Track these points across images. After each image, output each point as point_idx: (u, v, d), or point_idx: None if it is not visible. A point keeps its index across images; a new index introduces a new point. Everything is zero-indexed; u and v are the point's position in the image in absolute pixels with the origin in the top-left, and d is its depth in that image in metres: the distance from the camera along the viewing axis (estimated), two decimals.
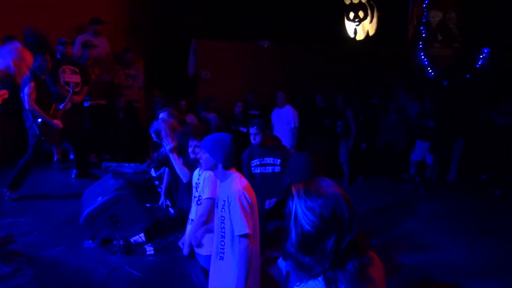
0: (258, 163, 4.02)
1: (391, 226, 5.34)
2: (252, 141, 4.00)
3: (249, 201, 2.40)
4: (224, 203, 2.45)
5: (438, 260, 4.40)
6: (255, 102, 7.50)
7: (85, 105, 6.22)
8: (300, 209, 1.35)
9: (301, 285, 1.36)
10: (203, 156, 2.54)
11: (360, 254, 1.33)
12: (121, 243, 3.50)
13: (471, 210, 5.97)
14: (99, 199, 3.62)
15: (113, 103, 6.71)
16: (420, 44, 9.74)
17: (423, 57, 9.68)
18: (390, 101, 7.33)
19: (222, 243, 2.51)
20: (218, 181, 2.61)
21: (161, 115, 4.03)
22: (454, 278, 3.99)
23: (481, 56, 9.79)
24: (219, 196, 2.56)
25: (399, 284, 3.83)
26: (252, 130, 3.96)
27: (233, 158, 2.52)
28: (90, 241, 3.63)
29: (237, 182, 2.47)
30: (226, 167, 2.50)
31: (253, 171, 4.08)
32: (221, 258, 2.51)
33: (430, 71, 9.60)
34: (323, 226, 1.30)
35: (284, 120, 6.37)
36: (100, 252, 3.48)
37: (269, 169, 4.00)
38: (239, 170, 2.68)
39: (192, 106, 7.46)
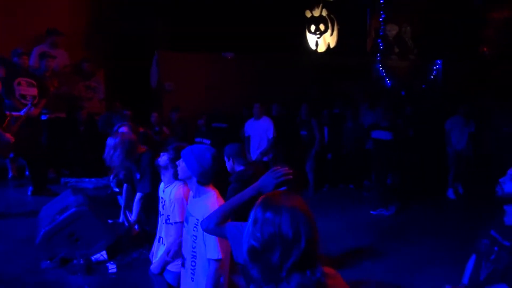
0: None
1: (354, 234, 5.46)
2: None
3: None
4: (197, 223, 2.32)
5: (400, 267, 4.54)
6: (221, 116, 7.51)
7: (42, 118, 6.00)
8: (251, 223, 1.35)
9: None
10: (181, 164, 2.42)
11: (311, 270, 1.30)
12: (81, 262, 3.38)
13: (431, 217, 6.22)
14: (57, 216, 3.49)
15: (72, 116, 6.52)
16: (378, 56, 10.15)
17: (381, 68, 10.09)
18: (348, 110, 7.57)
19: (193, 263, 2.41)
20: (191, 195, 2.49)
21: (121, 129, 3.95)
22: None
23: (434, 68, 10.32)
24: (190, 212, 2.43)
25: None
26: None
27: (211, 175, 2.37)
28: (48, 262, 3.47)
29: (213, 202, 2.32)
30: (202, 183, 2.38)
31: None
32: (192, 279, 2.41)
33: (388, 81, 10.01)
34: (267, 242, 1.29)
35: (262, 131, 6.43)
36: (59, 273, 3.33)
37: None
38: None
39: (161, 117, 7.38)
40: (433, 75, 10.32)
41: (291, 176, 1.77)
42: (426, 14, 10.22)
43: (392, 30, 10.27)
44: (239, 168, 3.48)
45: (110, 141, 3.65)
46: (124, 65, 7.66)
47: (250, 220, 1.37)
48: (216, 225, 1.84)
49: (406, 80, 10.05)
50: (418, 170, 7.38)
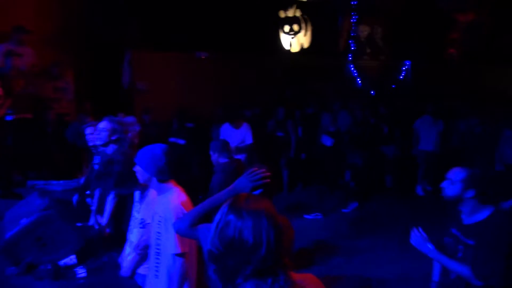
0: None
1: (327, 232, 5.54)
2: None
3: None
4: (161, 219, 2.37)
5: (372, 261, 4.63)
6: (189, 115, 7.46)
7: (7, 119, 5.78)
8: (214, 225, 1.31)
9: None
10: (137, 169, 2.47)
11: (273, 277, 1.25)
12: (48, 267, 3.27)
13: (399, 213, 6.36)
14: (22, 220, 3.37)
15: (40, 117, 6.31)
16: (350, 57, 10.31)
17: (353, 68, 10.26)
18: (322, 111, 7.65)
19: (157, 260, 2.43)
20: (156, 194, 2.53)
21: (87, 131, 3.84)
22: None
23: (403, 68, 10.59)
24: (155, 210, 2.47)
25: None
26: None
27: (169, 170, 2.43)
28: (14, 267, 3.34)
29: (175, 197, 2.38)
30: (161, 180, 2.43)
31: None
32: (157, 276, 2.42)
33: (360, 81, 10.20)
34: (226, 247, 1.25)
35: (240, 138, 6.37)
36: (25, 279, 3.21)
37: None
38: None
39: None
40: (402, 76, 10.59)
41: (268, 180, 1.77)
42: (395, 16, 10.47)
43: (364, 31, 10.46)
44: (223, 161, 3.81)
45: (105, 124, 3.63)
46: (95, 65, 7.47)
47: (214, 222, 1.33)
48: (189, 226, 1.81)
49: (377, 80, 10.26)
50: (391, 167, 7.54)
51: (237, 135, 6.31)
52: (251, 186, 1.73)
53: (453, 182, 2.31)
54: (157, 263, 2.42)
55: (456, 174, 2.32)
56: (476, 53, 11.31)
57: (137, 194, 3.05)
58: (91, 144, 4.24)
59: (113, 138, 3.66)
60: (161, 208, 2.38)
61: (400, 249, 4.80)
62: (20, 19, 6.46)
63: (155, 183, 2.44)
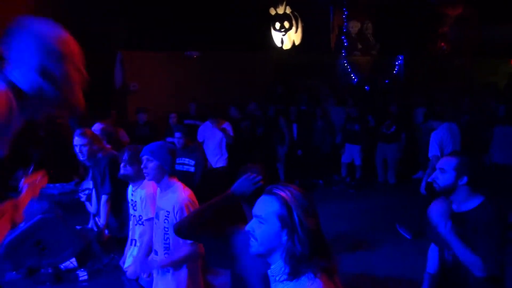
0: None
1: (325, 226, 5.55)
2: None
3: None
4: (168, 214, 2.40)
5: (369, 257, 4.67)
6: (197, 112, 7.42)
7: None
8: (301, 213, 1.41)
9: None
10: (150, 164, 2.45)
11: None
12: (49, 271, 3.22)
13: (394, 207, 6.41)
14: (21, 225, 3.31)
15: (31, 120, 6.21)
16: (343, 53, 10.34)
17: (346, 64, 10.29)
18: (317, 107, 7.65)
19: (167, 255, 2.47)
20: (159, 191, 2.55)
21: (75, 140, 3.75)
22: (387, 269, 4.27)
23: (396, 63, 10.65)
24: (159, 206, 2.49)
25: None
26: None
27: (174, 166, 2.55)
28: (14, 273, 3.30)
29: (181, 191, 2.45)
30: (172, 175, 2.49)
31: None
32: (168, 270, 2.45)
33: (353, 77, 10.23)
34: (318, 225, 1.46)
35: (220, 137, 6.25)
36: (26, 284, 3.16)
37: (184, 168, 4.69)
38: None
39: (121, 120, 7.17)
40: (396, 70, 10.64)
41: (264, 182, 1.83)
42: (385, 11, 10.52)
43: (355, 26, 10.49)
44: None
45: (79, 141, 3.56)
46: (86, 66, 7.35)
47: (301, 214, 1.41)
48: (188, 228, 1.82)
49: (370, 75, 10.29)
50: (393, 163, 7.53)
51: (216, 133, 6.21)
52: (252, 189, 1.79)
53: (445, 171, 2.26)
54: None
55: (447, 162, 2.28)
56: (465, 46, 11.44)
57: (129, 192, 3.05)
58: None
59: (94, 148, 3.62)
60: (169, 203, 2.41)
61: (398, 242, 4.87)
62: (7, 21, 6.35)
63: (165, 178, 2.47)
